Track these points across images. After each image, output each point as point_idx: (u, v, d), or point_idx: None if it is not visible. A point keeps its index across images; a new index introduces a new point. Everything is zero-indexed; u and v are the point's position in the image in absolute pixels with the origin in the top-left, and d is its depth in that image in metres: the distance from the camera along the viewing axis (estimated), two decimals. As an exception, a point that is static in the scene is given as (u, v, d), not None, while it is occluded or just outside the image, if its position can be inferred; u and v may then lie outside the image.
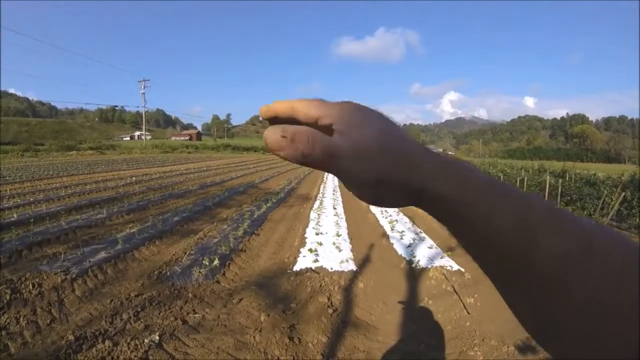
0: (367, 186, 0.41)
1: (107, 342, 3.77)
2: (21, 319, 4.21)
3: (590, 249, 0.34)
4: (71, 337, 3.83)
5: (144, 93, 72.82)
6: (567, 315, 0.35)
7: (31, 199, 11.28)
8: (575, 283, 0.34)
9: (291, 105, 0.45)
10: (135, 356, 3.60)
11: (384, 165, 0.39)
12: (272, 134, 0.41)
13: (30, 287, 4.97)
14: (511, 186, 0.40)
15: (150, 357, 3.63)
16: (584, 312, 0.33)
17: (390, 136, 0.40)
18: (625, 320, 0.31)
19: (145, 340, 3.84)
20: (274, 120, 0.46)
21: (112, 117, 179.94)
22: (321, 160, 0.41)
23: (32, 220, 8.15)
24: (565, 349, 0.38)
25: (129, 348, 3.71)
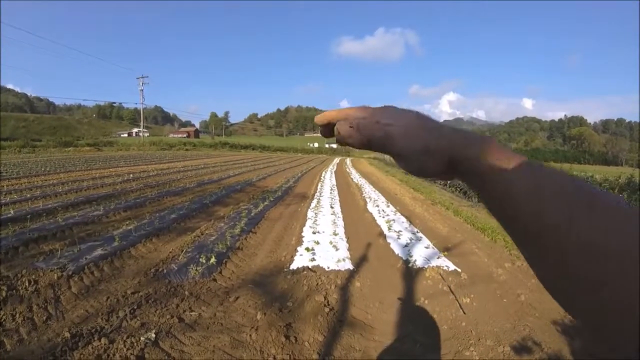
0: (415, 157, 0.53)
1: (103, 340, 3.76)
2: (17, 315, 4.20)
3: (593, 205, 0.40)
4: (67, 335, 3.83)
5: (142, 90, 72.55)
6: (574, 263, 0.39)
7: (28, 195, 11.23)
8: (579, 234, 0.39)
9: (345, 112, 0.59)
10: (131, 354, 3.60)
11: (426, 138, 0.52)
12: (342, 126, 0.57)
13: (27, 283, 4.96)
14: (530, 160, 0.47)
15: (147, 355, 3.63)
16: (589, 257, 0.38)
17: (427, 119, 0.55)
18: (626, 262, 0.36)
19: (142, 338, 3.84)
20: (327, 125, 0.61)
21: (110, 114, 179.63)
22: (382, 143, 0.55)
23: (28, 216, 8.12)
24: (574, 299, 0.42)
25: (125, 346, 3.70)
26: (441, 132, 0.52)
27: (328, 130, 0.62)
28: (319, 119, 0.62)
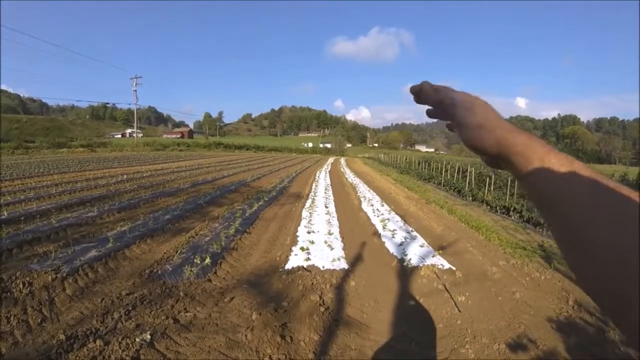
0: (470, 128, 0.64)
1: (98, 342, 3.75)
2: (12, 318, 4.18)
3: (612, 212, 0.47)
4: (62, 337, 3.81)
5: (135, 90, 72.20)
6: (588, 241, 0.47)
7: (22, 197, 11.18)
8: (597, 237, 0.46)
9: (437, 87, 0.71)
10: (126, 355, 3.59)
11: (482, 114, 0.64)
12: (427, 86, 0.72)
13: (21, 286, 4.94)
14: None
15: (142, 357, 3.62)
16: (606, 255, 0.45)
17: (487, 105, 0.65)
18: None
19: (137, 340, 3.83)
20: (418, 93, 0.73)
21: (104, 115, 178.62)
22: (448, 109, 0.68)
23: (22, 218, 8.08)
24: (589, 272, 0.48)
25: (120, 347, 3.69)
26: (496, 116, 0.63)
27: (418, 98, 0.73)
28: (414, 87, 0.74)
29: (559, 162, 0.54)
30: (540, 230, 10.11)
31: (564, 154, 0.56)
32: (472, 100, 0.66)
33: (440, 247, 7.54)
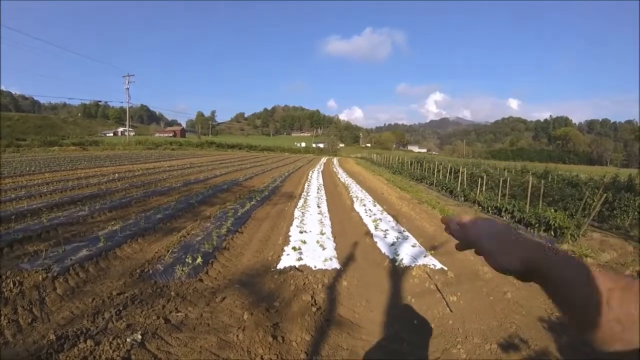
0: (497, 256, 0.80)
1: (89, 342, 3.73)
2: (2, 318, 4.14)
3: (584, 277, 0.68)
4: (52, 337, 3.78)
5: (128, 88, 71.61)
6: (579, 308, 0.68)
7: (12, 196, 11.08)
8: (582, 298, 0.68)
9: (458, 218, 0.90)
10: (117, 356, 3.57)
11: (504, 243, 0.80)
12: (453, 225, 0.90)
13: (11, 285, 4.89)
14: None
15: (133, 357, 3.60)
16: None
17: (508, 232, 0.83)
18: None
19: (128, 340, 3.80)
20: (447, 225, 0.93)
21: (96, 113, 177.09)
22: (474, 243, 0.85)
23: (13, 217, 8.01)
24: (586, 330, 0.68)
25: (111, 347, 3.67)
26: (517, 241, 0.79)
27: (448, 228, 0.92)
28: (444, 219, 0.95)
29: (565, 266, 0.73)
30: (532, 231, 10.18)
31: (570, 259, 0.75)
32: (493, 230, 0.83)
33: (432, 247, 7.57)
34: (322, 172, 29.35)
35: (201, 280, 5.57)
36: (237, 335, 4.06)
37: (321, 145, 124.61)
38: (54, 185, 13.96)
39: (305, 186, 18.14)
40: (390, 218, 10.59)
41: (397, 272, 6.28)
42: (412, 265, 6.48)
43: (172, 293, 5.04)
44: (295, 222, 9.33)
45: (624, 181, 15.02)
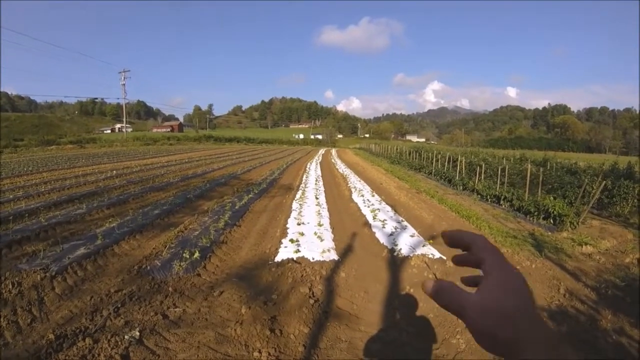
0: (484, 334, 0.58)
1: (87, 340, 3.73)
2: (1, 319, 4.14)
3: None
4: (52, 336, 3.79)
5: (124, 84, 71.28)
6: None
7: (10, 196, 11.04)
8: None
9: (472, 238, 0.66)
10: (116, 353, 3.57)
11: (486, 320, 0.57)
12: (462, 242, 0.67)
13: (10, 286, 4.89)
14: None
15: (132, 354, 3.61)
16: None
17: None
18: None
19: (126, 337, 3.81)
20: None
21: (93, 110, 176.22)
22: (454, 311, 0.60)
23: (11, 218, 7.99)
24: None
25: (109, 345, 3.68)
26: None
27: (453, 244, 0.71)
28: (448, 235, 0.70)
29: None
30: (531, 219, 10.17)
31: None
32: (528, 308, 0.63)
33: (431, 237, 7.56)
34: (320, 163, 29.33)
35: (199, 275, 5.57)
36: (235, 330, 4.07)
37: (319, 137, 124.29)
38: (52, 184, 13.92)
39: (304, 178, 18.14)
40: (388, 208, 10.59)
41: (395, 262, 6.28)
42: (411, 255, 6.47)
43: (170, 289, 5.04)
44: (293, 214, 9.32)
45: (623, 168, 15.02)
